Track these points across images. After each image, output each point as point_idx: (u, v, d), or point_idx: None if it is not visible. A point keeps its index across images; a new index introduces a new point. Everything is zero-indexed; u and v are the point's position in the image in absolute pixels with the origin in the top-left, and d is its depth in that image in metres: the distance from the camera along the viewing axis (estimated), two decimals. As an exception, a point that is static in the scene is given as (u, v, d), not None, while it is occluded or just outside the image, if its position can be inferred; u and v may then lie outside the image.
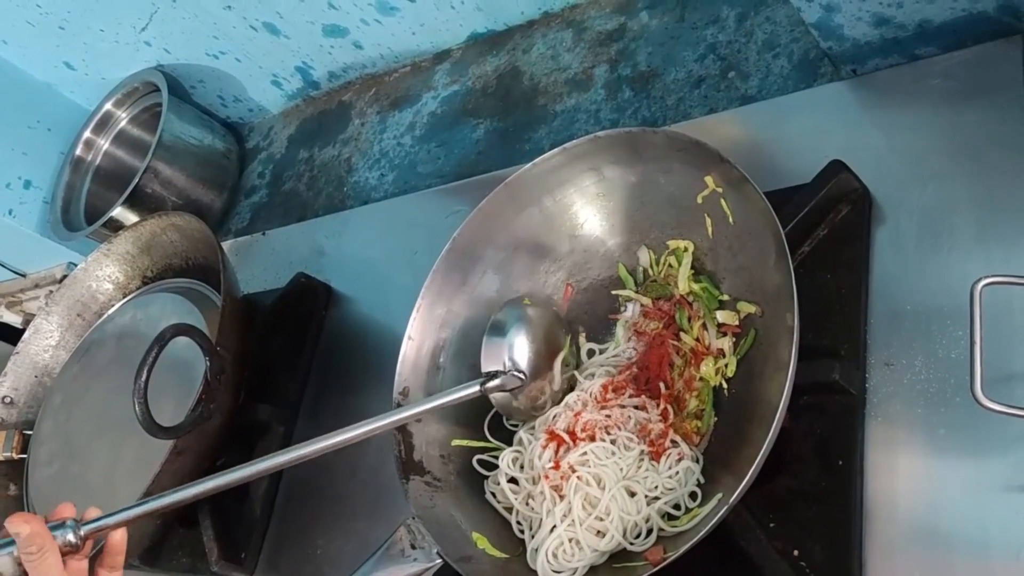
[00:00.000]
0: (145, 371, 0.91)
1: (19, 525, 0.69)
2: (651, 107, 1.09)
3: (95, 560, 0.78)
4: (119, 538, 0.78)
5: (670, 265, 0.90)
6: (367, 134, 1.42)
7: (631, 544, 0.77)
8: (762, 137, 0.93)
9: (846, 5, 0.82)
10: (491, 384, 0.85)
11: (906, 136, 0.84)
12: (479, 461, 0.90)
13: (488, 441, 0.92)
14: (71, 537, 0.74)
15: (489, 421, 0.93)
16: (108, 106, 1.58)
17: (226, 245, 1.43)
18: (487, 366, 0.87)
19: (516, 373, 0.86)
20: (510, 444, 0.90)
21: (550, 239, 0.96)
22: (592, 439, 0.83)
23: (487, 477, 0.90)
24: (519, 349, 0.87)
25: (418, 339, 0.94)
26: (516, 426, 0.92)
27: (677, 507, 0.78)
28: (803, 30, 0.95)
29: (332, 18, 1.36)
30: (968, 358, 0.64)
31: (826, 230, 0.82)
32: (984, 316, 0.65)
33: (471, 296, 0.96)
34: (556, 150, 0.90)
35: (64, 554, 0.73)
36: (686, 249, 0.88)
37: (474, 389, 0.85)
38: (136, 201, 1.41)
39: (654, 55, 1.12)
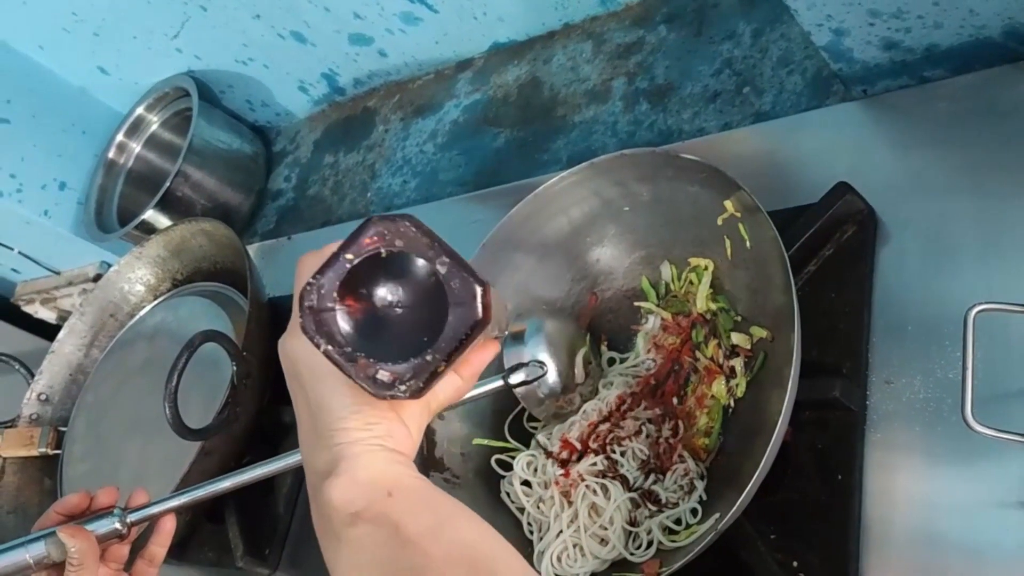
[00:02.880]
0: (175, 376, 0.94)
1: (69, 539, 0.73)
2: (667, 120, 1.11)
3: (136, 548, 0.81)
4: (170, 525, 0.81)
5: (691, 282, 0.91)
6: (391, 141, 1.45)
7: (631, 555, 0.80)
8: (774, 156, 0.94)
9: (855, 30, 0.83)
10: (514, 377, 0.85)
11: (913, 157, 0.85)
12: (497, 461, 0.93)
13: (507, 442, 0.94)
14: (118, 526, 0.75)
15: (509, 424, 0.95)
16: (140, 110, 1.62)
17: (252, 248, 1.47)
18: (509, 364, 0.87)
19: (536, 362, 0.87)
20: (528, 446, 0.93)
21: (577, 248, 0.98)
22: (603, 449, 0.86)
23: (504, 477, 0.92)
24: (538, 345, 0.88)
25: (448, 338, 0.97)
26: (535, 428, 0.94)
27: (678, 522, 0.80)
28: (816, 47, 0.97)
29: (357, 27, 1.39)
30: (962, 381, 0.66)
31: (832, 249, 0.84)
32: (980, 339, 0.67)
33: (500, 298, 0.98)
34: (584, 164, 0.92)
35: (107, 541, 0.76)
36: (706, 268, 0.89)
37: (498, 383, 0.85)
38: (167, 204, 1.44)
39: (671, 69, 1.14)
